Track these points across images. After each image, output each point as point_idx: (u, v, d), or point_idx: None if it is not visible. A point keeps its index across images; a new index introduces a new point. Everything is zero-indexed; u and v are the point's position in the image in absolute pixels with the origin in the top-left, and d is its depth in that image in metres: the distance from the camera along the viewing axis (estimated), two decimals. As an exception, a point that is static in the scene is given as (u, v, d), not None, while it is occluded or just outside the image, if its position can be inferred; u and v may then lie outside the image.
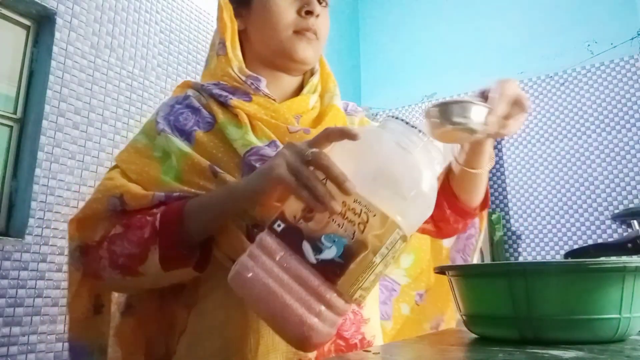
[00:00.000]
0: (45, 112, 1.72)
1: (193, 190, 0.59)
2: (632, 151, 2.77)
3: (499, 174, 3.16)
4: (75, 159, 1.81)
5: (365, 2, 4.02)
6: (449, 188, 0.72)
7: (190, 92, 0.70)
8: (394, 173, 0.44)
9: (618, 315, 0.41)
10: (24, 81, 1.77)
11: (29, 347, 1.58)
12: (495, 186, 3.16)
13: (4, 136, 1.72)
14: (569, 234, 2.88)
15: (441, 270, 0.56)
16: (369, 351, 0.45)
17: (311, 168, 0.46)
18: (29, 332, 1.59)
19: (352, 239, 0.42)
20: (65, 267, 1.73)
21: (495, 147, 3.19)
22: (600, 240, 2.76)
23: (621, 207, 2.74)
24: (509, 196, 3.10)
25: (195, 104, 0.67)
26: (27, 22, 1.80)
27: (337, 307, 0.43)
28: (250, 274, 0.43)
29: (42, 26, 1.83)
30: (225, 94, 0.66)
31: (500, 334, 0.46)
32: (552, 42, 3.09)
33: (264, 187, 0.50)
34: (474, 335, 0.50)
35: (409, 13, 3.76)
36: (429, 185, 0.45)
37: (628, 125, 2.81)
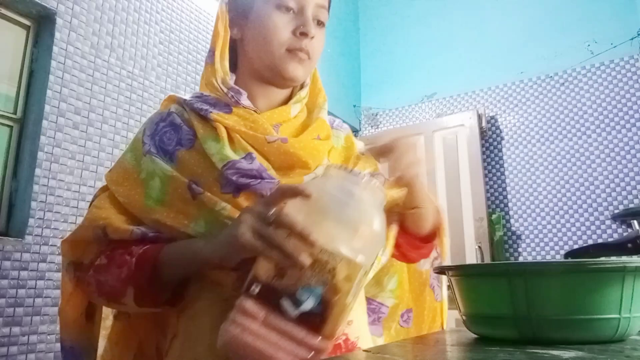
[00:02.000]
0: (45, 112, 1.72)
1: (169, 222, 0.62)
2: (632, 151, 2.77)
3: (499, 174, 3.16)
4: (75, 159, 1.80)
5: (366, 2, 4.01)
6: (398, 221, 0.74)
7: (173, 107, 0.72)
8: (347, 218, 0.48)
9: (618, 315, 0.41)
10: (24, 81, 1.77)
11: (29, 347, 1.58)
12: (496, 186, 3.16)
13: (4, 136, 1.72)
14: (569, 234, 2.88)
15: (441, 271, 0.56)
16: (369, 351, 0.45)
17: (274, 228, 0.48)
18: (29, 332, 1.59)
19: (326, 287, 0.46)
20: (65, 267, 1.73)
21: (495, 147, 3.19)
22: (600, 240, 2.76)
23: (621, 207, 2.74)
24: (509, 196, 3.09)
25: (177, 120, 0.69)
26: (27, 22, 1.80)
27: (325, 348, 0.46)
28: (238, 340, 0.45)
29: (42, 26, 1.83)
30: (206, 107, 0.68)
31: (500, 334, 0.46)
32: (552, 42, 3.09)
33: (231, 256, 0.53)
34: (474, 335, 0.50)
35: (409, 13, 3.76)
36: (378, 222, 0.50)
37: (628, 125, 2.81)
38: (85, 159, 1.84)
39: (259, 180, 0.62)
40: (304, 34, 0.67)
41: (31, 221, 1.64)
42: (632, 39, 2.85)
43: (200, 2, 2.49)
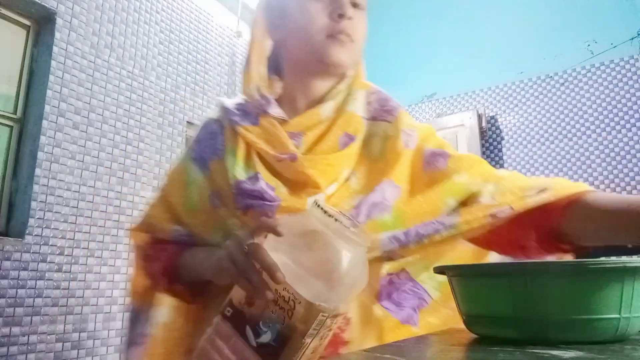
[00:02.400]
0: (45, 112, 1.72)
1: (196, 230, 0.69)
2: (632, 151, 2.77)
3: (499, 174, 3.17)
4: (75, 159, 1.80)
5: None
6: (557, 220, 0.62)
7: (218, 116, 0.75)
8: (315, 262, 0.49)
9: (618, 315, 0.41)
10: (24, 81, 1.77)
11: (29, 347, 1.58)
12: (495, 186, 3.16)
13: (4, 136, 1.72)
14: (569, 234, 2.88)
15: (441, 270, 0.56)
16: (369, 351, 0.45)
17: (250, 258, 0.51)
18: (29, 332, 1.59)
19: (283, 324, 0.47)
20: (65, 267, 1.73)
21: (495, 147, 3.20)
22: (600, 240, 2.76)
23: (621, 207, 2.74)
24: (509, 196, 3.10)
25: (216, 130, 0.73)
26: (27, 22, 1.80)
27: None
28: (207, 356, 0.50)
29: (42, 26, 1.83)
30: (237, 118, 0.70)
31: (500, 334, 0.46)
32: (552, 42, 3.09)
33: (217, 278, 0.57)
34: (474, 335, 0.51)
35: (409, 13, 3.76)
36: (351, 266, 0.49)
37: (628, 125, 2.81)
38: (85, 159, 1.84)
39: (261, 202, 0.63)
40: (341, 16, 0.66)
41: (31, 221, 1.64)
42: (632, 39, 2.85)
43: (200, 2, 2.49)
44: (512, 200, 0.62)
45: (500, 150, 3.19)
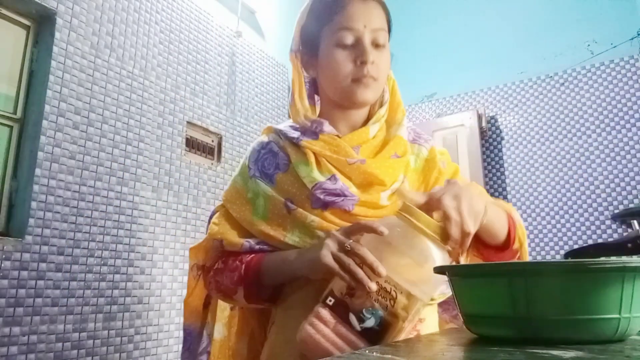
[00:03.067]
0: (45, 112, 1.72)
1: (271, 233, 0.76)
2: (632, 151, 2.77)
3: (499, 174, 3.16)
4: (75, 159, 1.80)
5: (365, 2, 4.02)
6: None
7: (271, 137, 0.86)
8: (411, 257, 0.58)
9: (618, 315, 0.41)
10: (24, 81, 1.77)
11: (29, 347, 1.58)
12: (496, 186, 3.16)
13: (4, 136, 1.72)
14: (569, 234, 2.88)
15: (441, 270, 0.56)
16: (370, 351, 0.45)
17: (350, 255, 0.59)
18: (29, 332, 1.59)
19: (386, 311, 0.56)
20: (65, 267, 1.73)
21: (495, 147, 3.20)
22: (600, 240, 2.76)
23: (621, 207, 2.74)
24: (509, 196, 3.09)
25: (275, 148, 0.83)
26: (27, 22, 1.80)
27: None
28: (312, 338, 0.57)
29: (42, 26, 1.83)
30: (297, 135, 0.81)
31: (500, 334, 0.46)
32: (552, 42, 3.09)
33: (314, 272, 0.65)
34: (474, 335, 0.51)
35: (409, 13, 3.76)
36: (439, 263, 0.57)
37: (628, 125, 2.81)
38: (85, 159, 1.84)
39: (342, 198, 0.74)
40: (363, 63, 0.75)
41: (31, 221, 1.64)
42: (632, 39, 2.85)
43: (200, 2, 2.49)
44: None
45: (500, 150, 3.19)
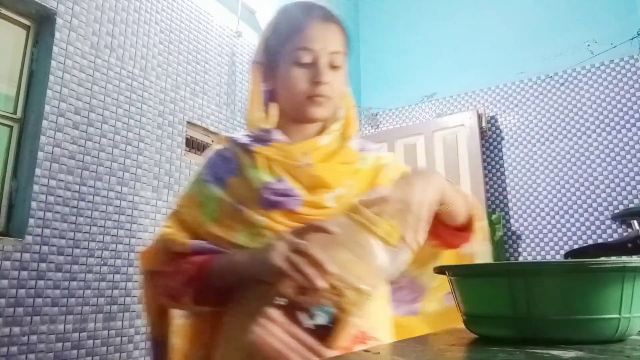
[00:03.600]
0: (45, 112, 1.72)
1: (220, 234, 0.78)
2: (632, 151, 2.77)
3: (499, 174, 3.16)
4: (75, 159, 1.80)
5: (365, 2, 4.02)
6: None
7: (225, 145, 0.90)
8: (358, 254, 0.60)
9: (618, 315, 0.41)
10: (24, 81, 1.77)
11: (29, 347, 1.58)
12: (496, 186, 3.16)
13: (4, 136, 1.72)
14: (569, 234, 2.88)
15: (441, 270, 0.56)
16: (369, 351, 0.45)
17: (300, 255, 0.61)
18: (29, 332, 1.59)
19: (336, 308, 0.58)
20: (65, 267, 1.73)
21: (495, 147, 3.20)
22: (600, 240, 2.76)
23: (621, 207, 2.74)
24: (509, 196, 3.10)
25: (227, 154, 0.87)
26: (27, 22, 1.80)
27: (328, 354, 0.58)
28: (262, 339, 0.57)
29: (42, 26, 1.83)
30: (249, 142, 0.85)
31: (500, 334, 0.46)
32: (552, 42, 3.09)
33: (264, 274, 0.66)
34: (474, 335, 0.51)
35: (409, 13, 3.76)
36: (383, 258, 0.61)
37: (628, 125, 2.81)
38: (85, 159, 1.84)
39: (288, 198, 0.77)
40: (318, 83, 0.79)
41: (31, 221, 1.64)
42: (632, 39, 2.85)
43: (200, 2, 2.49)
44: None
45: (500, 150, 3.19)
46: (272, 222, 0.76)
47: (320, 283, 0.57)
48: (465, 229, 0.85)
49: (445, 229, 0.83)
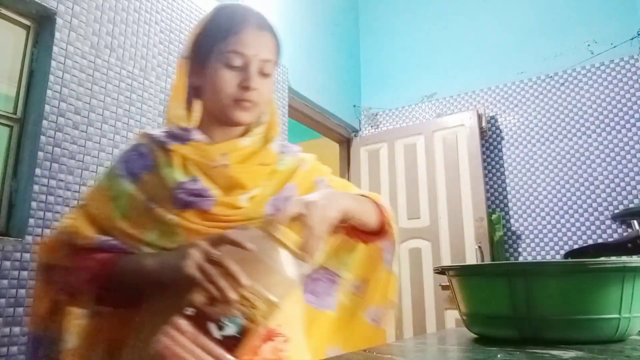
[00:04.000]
0: (45, 112, 1.72)
1: (130, 231, 0.76)
2: (632, 151, 2.77)
3: (499, 174, 3.16)
4: (75, 159, 1.80)
5: (366, 2, 4.02)
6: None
7: (142, 140, 0.88)
8: (269, 267, 0.61)
9: (618, 315, 0.41)
10: (24, 81, 1.77)
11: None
12: (496, 186, 3.16)
13: (4, 136, 1.72)
14: (569, 234, 2.88)
15: (441, 271, 0.56)
16: (369, 351, 0.45)
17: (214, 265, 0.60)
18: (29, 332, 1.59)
19: (246, 319, 0.58)
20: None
21: (495, 147, 3.20)
22: (600, 240, 2.76)
23: (621, 207, 2.74)
24: (509, 196, 3.10)
25: (144, 150, 0.85)
26: (27, 22, 1.80)
27: None
28: (168, 350, 0.56)
29: (42, 26, 1.83)
30: (167, 140, 0.83)
31: (500, 334, 0.46)
32: (552, 42, 3.09)
33: (176, 281, 0.64)
34: (474, 335, 0.51)
35: (409, 13, 3.76)
36: (292, 271, 0.63)
37: (628, 125, 2.81)
38: (85, 159, 1.84)
39: (201, 199, 0.77)
40: (246, 88, 0.79)
41: (31, 221, 1.64)
42: (632, 39, 2.85)
43: (200, 2, 2.49)
44: None
45: (500, 150, 3.19)
46: (184, 222, 0.75)
47: (232, 295, 0.57)
48: (377, 232, 0.88)
49: (359, 231, 0.87)
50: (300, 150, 0.96)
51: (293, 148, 0.96)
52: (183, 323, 0.58)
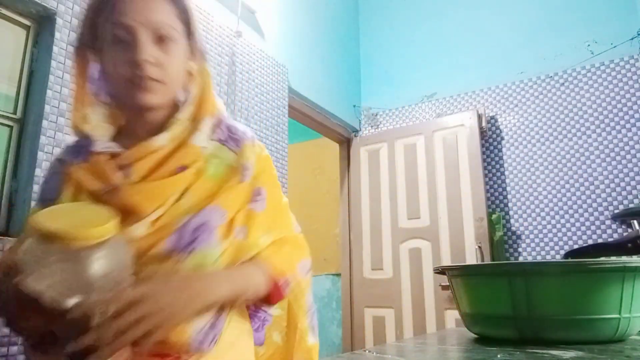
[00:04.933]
0: (45, 112, 1.72)
1: None
2: (632, 151, 2.77)
3: (499, 174, 3.16)
4: (75, 159, 1.80)
5: (366, 2, 4.02)
6: None
7: (60, 155, 0.76)
8: (72, 273, 0.55)
9: (618, 315, 0.41)
10: (24, 81, 1.77)
11: (29, 347, 1.58)
12: (495, 186, 3.16)
13: (4, 136, 1.72)
14: (569, 234, 2.88)
15: (441, 271, 0.56)
16: (370, 351, 0.45)
17: None
18: (29, 332, 1.58)
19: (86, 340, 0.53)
20: (65, 267, 1.73)
21: (495, 147, 3.20)
22: (600, 240, 2.76)
23: (621, 207, 2.74)
24: (509, 196, 3.09)
25: (58, 169, 0.73)
26: (27, 22, 1.80)
27: None
28: None
29: (42, 26, 1.83)
30: (70, 157, 0.72)
31: (500, 334, 0.46)
32: (552, 42, 3.09)
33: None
34: (474, 335, 0.51)
35: (409, 13, 3.76)
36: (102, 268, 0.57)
37: (628, 125, 2.81)
38: (85, 159, 1.84)
39: None
40: (136, 63, 0.65)
41: (31, 221, 1.64)
42: (632, 39, 2.85)
43: (200, 1, 2.49)
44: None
45: (500, 150, 3.18)
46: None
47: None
48: (272, 297, 0.74)
49: (254, 304, 0.75)
50: (246, 134, 0.79)
51: (239, 133, 0.78)
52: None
